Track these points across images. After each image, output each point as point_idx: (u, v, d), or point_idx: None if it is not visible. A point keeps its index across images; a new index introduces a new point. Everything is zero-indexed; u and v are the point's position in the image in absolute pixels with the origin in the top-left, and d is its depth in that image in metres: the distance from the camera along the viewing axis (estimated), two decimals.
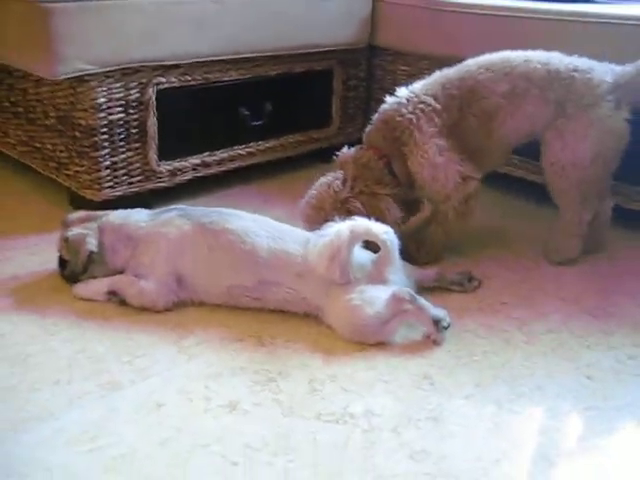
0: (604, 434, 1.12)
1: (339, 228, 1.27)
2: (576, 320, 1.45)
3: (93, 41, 1.61)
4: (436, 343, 1.32)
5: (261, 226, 1.40)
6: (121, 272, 1.44)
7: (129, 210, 1.50)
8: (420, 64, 2.19)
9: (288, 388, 1.19)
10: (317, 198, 1.57)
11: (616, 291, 1.58)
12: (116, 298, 1.42)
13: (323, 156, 2.33)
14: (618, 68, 1.60)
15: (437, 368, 1.27)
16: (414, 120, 1.58)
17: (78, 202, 1.82)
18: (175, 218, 1.42)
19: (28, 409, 1.11)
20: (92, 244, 1.43)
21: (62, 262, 1.48)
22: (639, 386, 1.24)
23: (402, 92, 1.65)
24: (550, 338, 1.38)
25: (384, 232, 1.30)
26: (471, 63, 1.66)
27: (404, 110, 1.60)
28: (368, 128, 1.69)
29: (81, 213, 1.51)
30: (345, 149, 1.68)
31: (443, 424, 1.12)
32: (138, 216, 1.46)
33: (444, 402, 1.17)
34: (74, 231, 1.45)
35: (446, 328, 1.32)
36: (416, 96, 1.61)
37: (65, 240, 1.45)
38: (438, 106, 1.59)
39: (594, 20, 1.81)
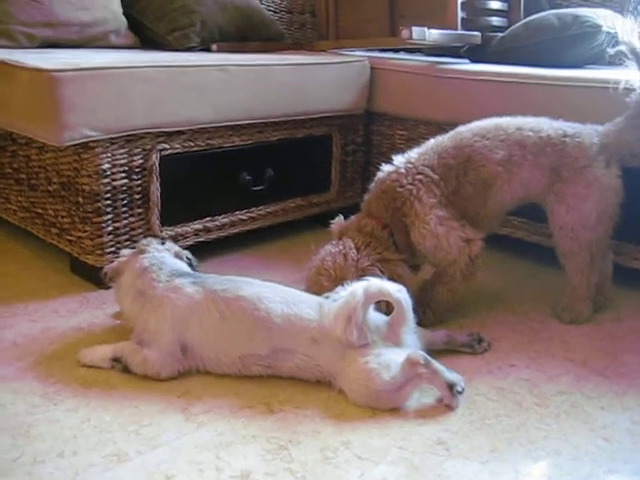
0: None
1: (353, 289, 1.26)
2: (586, 381, 1.43)
3: (98, 108, 1.63)
4: (450, 408, 1.30)
5: (274, 292, 1.39)
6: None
7: (160, 258, 1.48)
8: (418, 129, 2.23)
9: (300, 456, 1.16)
10: (336, 269, 1.53)
11: (624, 351, 1.57)
12: (119, 365, 1.39)
13: (322, 220, 2.35)
14: (601, 128, 1.65)
15: (451, 433, 1.24)
16: (414, 191, 1.59)
17: (79, 268, 1.81)
18: (187, 285, 1.40)
19: None
20: (109, 267, 1.51)
21: None
22: None
23: (399, 161, 1.67)
24: (562, 400, 1.36)
25: (397, 291, 1.29)
26: (464, 130, 1.68)
27: (404, 181, 1.61)
28: (367, 197, 1.69)
29: (146, 241, 1.57)
30: (339, 218, 1.69)
31: None
32: (158, 272, 1.43)
33: (460, 469, 1.14)
34: (126, 251, 1.55)
35: (460, 393, 1.29)
36: (414, 167, 1.63)
37: None
38: (436, 176, 1.61)
39: (585, 84, 1.86)
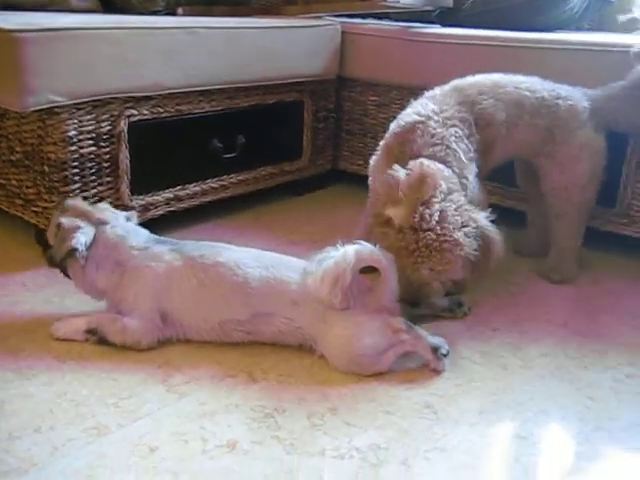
0: (617, 456, 1.10)
1: (344, 250, 1.22)
2: (569, 342, 1.44)
3: (64, 72, 1.55)
4: (437, 371, 1.28)
5: (253, 257, 1.35)
6: (99, 293, 1.38)
7: (129, 225, 1.41)
8: (390, 95, 2.20)
9: (287, 424, 1.13)
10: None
11: (603, 312, 1.58)
12: (94, 337, 1.34)
13: (294, 188, 2.32)
14: (591, 92, 1.66)
15: (438, 397, 1.23)
16: (453, 143, 1.49)
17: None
18: (166, 252, 1.35)
19: (8, 461, 1.02)
20: (80, 242, 1.32)
21: (45, 243, 1.41)
22: None
23: (425, 109, 1.52)
24: (546, 361, 1.36)
25: (386, 258, 1.27)
26: (466, 86, 1.60)
27: (441, 131, 1.49)
28: (390, 141, 1.55)
29: (81, 205, 1.40)
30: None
31: (452, 454, 1.08)
32: (135, 240, 1.37)
33: (449, 431, 1.13)
34: (70, 219, 1.35)
35: (445, 355, 1.29)
36: (445, 118, 1.51)
37: (57, 225, 1.36)
38: (467, 131, 1.53)
39: (558, 47, 1.85)
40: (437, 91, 1.61)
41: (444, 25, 2.31)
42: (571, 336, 1.46)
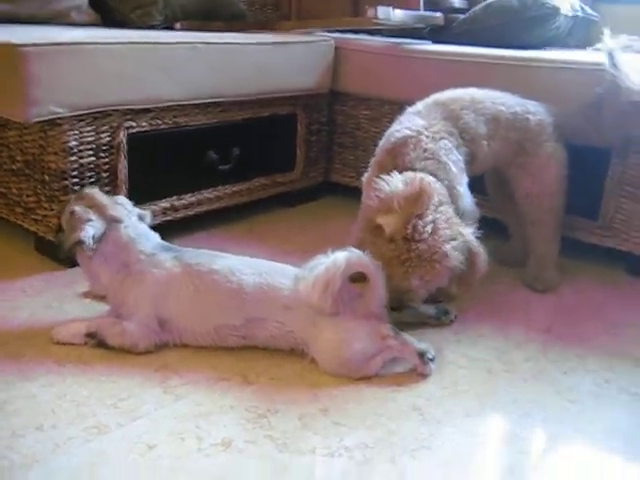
0: (595, 455, 1.16)
1: (335, 257, 1.27)
2: (550, 347, 1.49)
3: (66, 84, 1.61)
4: (423, 375, 1.33)
5: (247, 264, 1.40)
6: (102, 287, 1.42)
7: (141, 227, 1.44)
8: (382, 109, 2.26)
9: (280, 424, 1.18)
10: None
11: (584, 319, 1.64)
12: (93, 341, 1.38)
13: (287, 199, 2.37)
14: (552, 109, 1.77)
15: (425, 399, 1.28)
16: (444, 156, 1.56)
17: (45, 247, 1.79)
18: (168, 260, 1.39)
19: (11, 457, 1.06)
20: (87, 236, 1.35)
21: (58, 227, 1.46)
22: (619, 408, 1.28)
23: (414, 124, 1.58)
24: (529, 366, 1.42)
25: (374, 264, 1.32)
26: (447, 100, 1.66)
27: (431, 145, 1.54)
28: (382, 157, 1.60)
29: (98, 196, 1.42)
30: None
31: (437, 452, 1.13)
32: (144, 245, 1.41)
33: (435, 431, 1.18)
34: (83, 209, 1.38)
35: (432, 360, 1.34)
36: (435, 132, 1.57)
37: (71, 212, 1.39)
38: (455, 142, 1.60)
39: (544, 65, 1.93)
40: (420, 106, 1.67)
41: (435, 42, 2.37)
42: (553, 341, 1.52)
